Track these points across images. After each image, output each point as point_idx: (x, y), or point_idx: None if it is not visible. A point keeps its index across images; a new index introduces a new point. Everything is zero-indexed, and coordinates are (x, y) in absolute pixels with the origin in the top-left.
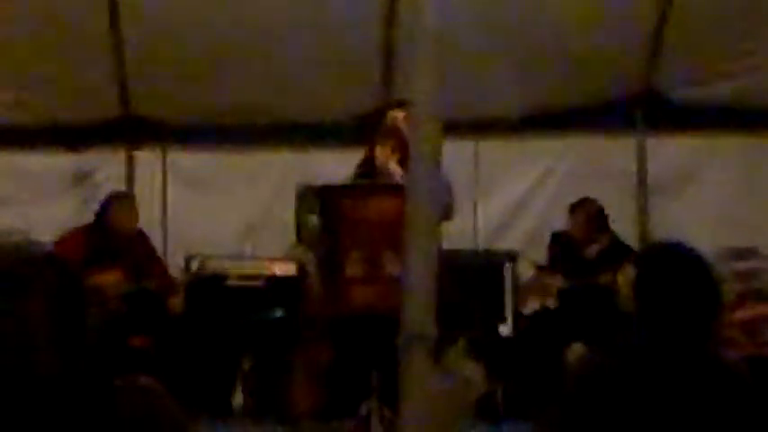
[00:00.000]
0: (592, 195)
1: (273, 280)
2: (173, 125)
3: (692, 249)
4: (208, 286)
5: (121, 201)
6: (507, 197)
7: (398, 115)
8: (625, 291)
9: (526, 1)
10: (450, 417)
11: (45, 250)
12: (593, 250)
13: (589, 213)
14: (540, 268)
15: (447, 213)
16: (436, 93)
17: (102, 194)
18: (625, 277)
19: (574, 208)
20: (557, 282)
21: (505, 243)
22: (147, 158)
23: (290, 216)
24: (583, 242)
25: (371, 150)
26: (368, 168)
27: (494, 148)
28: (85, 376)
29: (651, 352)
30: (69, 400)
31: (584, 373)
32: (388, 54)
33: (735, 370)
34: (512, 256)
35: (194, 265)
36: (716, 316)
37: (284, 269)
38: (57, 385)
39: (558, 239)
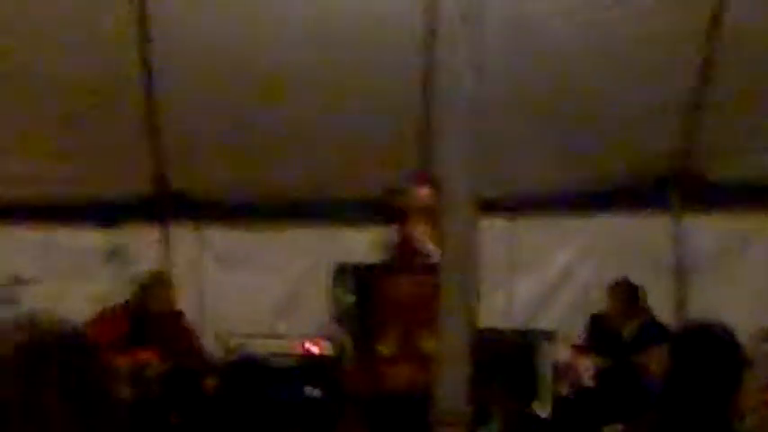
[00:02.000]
0: (628, 274)
1: (309, 359)
2: (208, 201)
3: (721, 332)
4: (243, 366)
5: (158, 281)
6: (543, 276)
7: (425, 192)
8: (657, 371)
9: (562, 79)
10: None
11: (68, 332)
12: (629, 330)
13: (625, 294)
14: (576, 348)
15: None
16: (471, 170)
17: (136, 271)
18: (658, 358)
19: (611, 289)
20: (593, 362)
21: (541, 322)
22: (181, 235)
23: (324, 294)
24: (619, 322)
25: (404, 230)
26: (403, 248)
27: (530, 227)
28: None
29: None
30: None
31: None
32: (426, 131)
33: None
34: (549, 336)
35: (230, 344)
36: (736, 396)
37: (320, 348)
38: None
39: (596, 320)
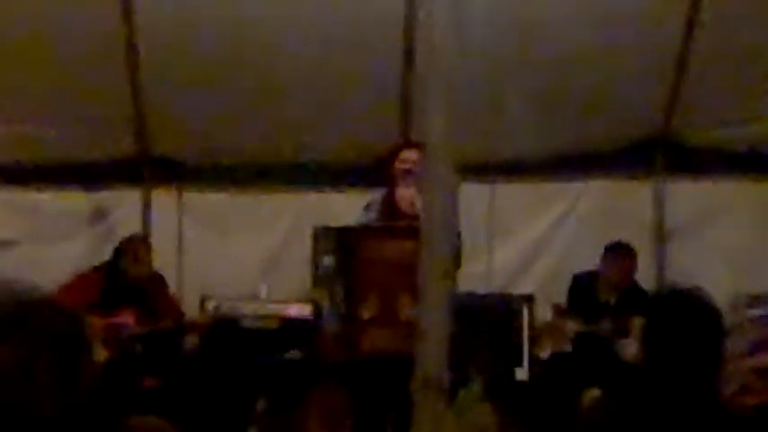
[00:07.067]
0: (608, 239)
1: (288, 322)
2: (189, 165)
3: (701, 296)
4: (223, 327)
5: (136, 244)
6: (523, 240)
7: (412, 156)
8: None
9: (544, 42)
10: None
11: (46, 297)
12: (613, 295)
13: (633, 261)
14: (557, 309)
15: (455, 260)
16: (451, 134)
17: (117, 233)
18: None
19: (616, 252)
20: (574, 326)
21: (521, 286)
22: (163, 198)
23: (306, 257)
24: (604, 285)
25: (391, 193)
26: (389, 211)
27: (510, 191)
28: (87, 419)
29: (660, 399)
30: None
31: (598, 419)
32: (406, 94)
33: (741, 417)
34: (529, 300)
35: (210, 306)
36: (719, 364)
37: (299, 311)
38: (57, 429)
39: (579, 282)
